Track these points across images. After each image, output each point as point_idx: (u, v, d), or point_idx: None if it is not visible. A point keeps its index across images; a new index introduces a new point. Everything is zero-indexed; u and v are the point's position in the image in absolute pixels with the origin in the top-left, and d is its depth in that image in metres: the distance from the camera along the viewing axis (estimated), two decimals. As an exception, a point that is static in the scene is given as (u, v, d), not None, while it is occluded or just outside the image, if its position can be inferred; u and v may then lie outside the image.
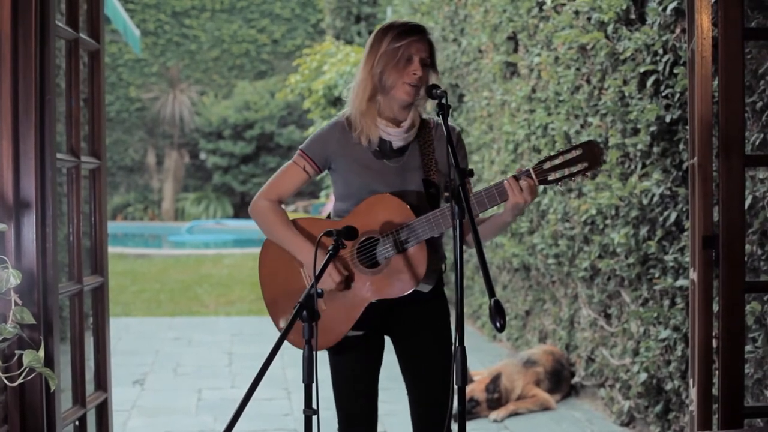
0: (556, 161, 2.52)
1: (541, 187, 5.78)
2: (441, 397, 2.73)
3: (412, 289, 2.62)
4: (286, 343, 2.37)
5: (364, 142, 2.73)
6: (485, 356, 6.49)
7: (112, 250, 12.46)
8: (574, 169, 2.52)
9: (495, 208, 2.73)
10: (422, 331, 2.78)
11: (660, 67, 4.19)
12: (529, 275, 6.45)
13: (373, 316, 2.69)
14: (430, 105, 2.77)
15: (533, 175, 2.54)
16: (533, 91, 5.94)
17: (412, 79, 2.65)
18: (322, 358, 2.55)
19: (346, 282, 2.68)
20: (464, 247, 2.57)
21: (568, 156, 2.52)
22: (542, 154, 5.73)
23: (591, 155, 2.51)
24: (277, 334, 2.39)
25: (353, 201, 2.72)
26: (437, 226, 2.59)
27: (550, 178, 2.53)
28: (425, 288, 2.69)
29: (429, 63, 2.70)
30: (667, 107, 4.20)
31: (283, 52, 20.71)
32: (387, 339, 2.86)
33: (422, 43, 2.68)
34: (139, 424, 4.96)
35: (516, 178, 2.54)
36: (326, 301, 2.69)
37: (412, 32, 2.68)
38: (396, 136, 2.72)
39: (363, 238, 2.67)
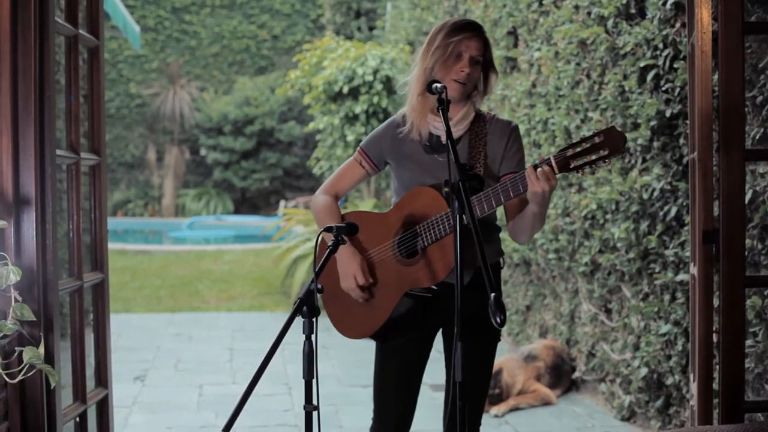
0: (579, 148, 2.47)
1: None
2: (473, 392, 2.76)
3: (440, 280, 2.64)
4: (286, 338, 2.37)
5: (415, 136, 2.78)
6: (486, 351, 6.48)
7: (112, 246, 12.47)
8: (594, 156, 2.45)
9: None
10: (465, 325, 2.77)
11: (660, 62, 4.19)
12: (529, 270, 6.45)
13: (420, 309, 2.72)
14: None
15: (553, 163, 2.48)
16: (533, 85, 5.94)
17: (459, 76, 2.66)
18: (322, 354, 2.56)
19: (370, 289, 2.74)
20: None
21: (590, 143, 2.47)
22: (542, 149, 5.73)
23: (612, 142, 2.45)
24: (278, 330, 2.39)
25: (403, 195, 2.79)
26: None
27: (571, 165, 2.48)
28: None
29: (482, 61, 2.69)
30: (668, 102, 4.19)
31: (283, 47, 20.68)
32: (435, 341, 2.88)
33: (475, 41, 2.67)
34: (140, 420, 4.96)
35: (535, 166, 2.50)
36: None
37: (464, 29, 2.68)
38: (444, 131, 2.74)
39: (404, 230, 2.72)
